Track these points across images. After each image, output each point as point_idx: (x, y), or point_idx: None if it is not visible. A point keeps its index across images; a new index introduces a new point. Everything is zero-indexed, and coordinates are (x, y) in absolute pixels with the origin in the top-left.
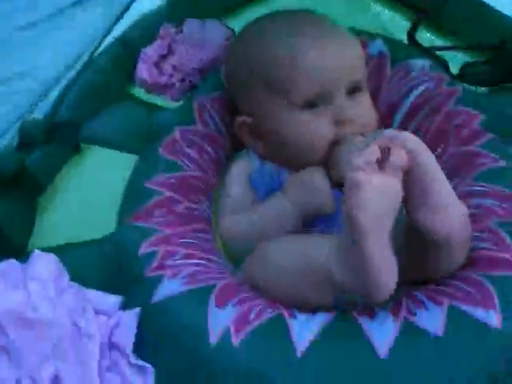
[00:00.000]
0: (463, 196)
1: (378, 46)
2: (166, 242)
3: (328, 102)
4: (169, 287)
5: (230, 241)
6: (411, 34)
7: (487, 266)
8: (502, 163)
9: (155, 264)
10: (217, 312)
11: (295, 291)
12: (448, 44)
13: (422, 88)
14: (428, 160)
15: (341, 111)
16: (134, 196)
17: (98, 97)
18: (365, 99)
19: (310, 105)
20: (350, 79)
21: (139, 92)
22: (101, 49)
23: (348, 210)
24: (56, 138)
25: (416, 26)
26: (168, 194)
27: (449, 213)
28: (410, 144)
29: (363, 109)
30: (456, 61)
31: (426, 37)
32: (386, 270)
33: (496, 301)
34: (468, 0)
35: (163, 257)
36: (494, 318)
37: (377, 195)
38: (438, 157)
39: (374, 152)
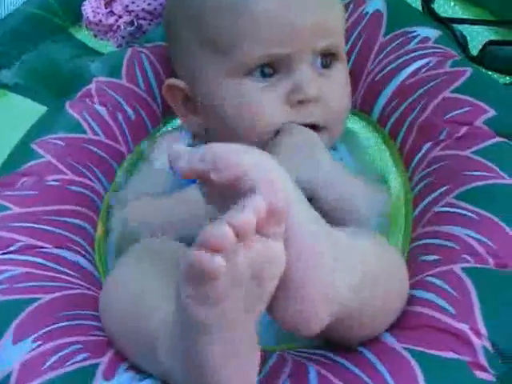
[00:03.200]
0: (433, 221)
1: (377, 3)
2: (3, 224)
3: (285, 71)
4: None
5: (125, 227)
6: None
7: (426, 340)
8: (505, 180)
9: None
10: (8, 346)
11: (126, 350)
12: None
13: (418, 64)
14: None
15: (301, 87)
16: (15, 157)
17: (32, 34)
18: (339, 74)
19: (260, 72)
20: (322, 43)
21: (85, 36)
22: None
23: (185, 303)
24: None
25: None
26: (48, 159)
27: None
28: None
29: (335, 87)
30: (479, 39)
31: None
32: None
33: None
34: None
35: None
36: None
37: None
38: (419, 160)
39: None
